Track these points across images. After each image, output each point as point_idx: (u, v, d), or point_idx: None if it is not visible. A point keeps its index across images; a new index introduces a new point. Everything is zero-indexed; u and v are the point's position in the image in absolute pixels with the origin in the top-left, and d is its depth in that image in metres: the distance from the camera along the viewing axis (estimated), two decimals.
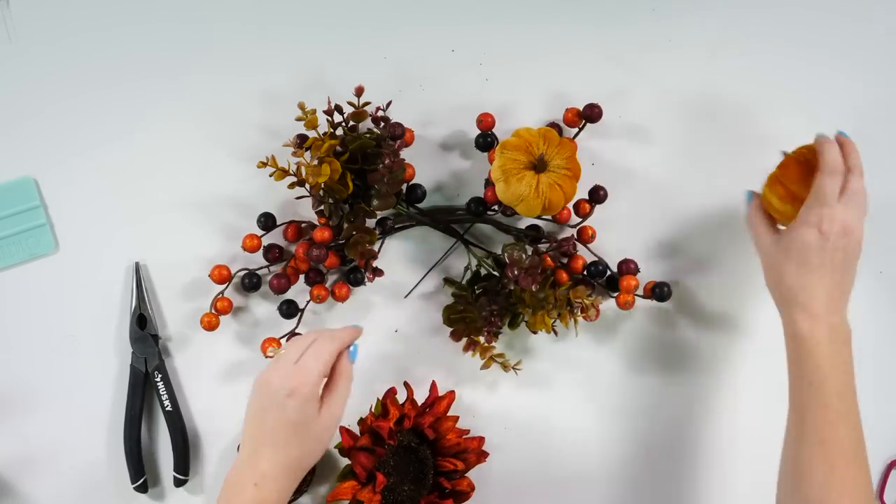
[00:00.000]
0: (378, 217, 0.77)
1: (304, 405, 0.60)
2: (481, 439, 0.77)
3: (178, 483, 0.78)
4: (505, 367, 0.77)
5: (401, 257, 0.80)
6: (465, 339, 0.76)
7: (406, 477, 0.75)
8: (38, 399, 0.78)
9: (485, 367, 0.76)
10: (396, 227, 0.78)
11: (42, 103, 0.78)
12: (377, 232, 0.75)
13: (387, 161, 0.70)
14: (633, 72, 0.81)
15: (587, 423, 0.81)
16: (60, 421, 0.78)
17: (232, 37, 0.80)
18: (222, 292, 0.77)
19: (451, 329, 0.77)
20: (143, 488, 0.77)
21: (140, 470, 0.77)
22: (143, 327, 0.78)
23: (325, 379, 0.63)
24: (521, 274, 0.71)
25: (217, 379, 0.79)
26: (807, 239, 0.64)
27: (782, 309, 0.66)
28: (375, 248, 0.76)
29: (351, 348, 0.65)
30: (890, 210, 0.84)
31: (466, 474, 0.76)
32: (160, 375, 0.78)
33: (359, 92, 0.71)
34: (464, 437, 0.76)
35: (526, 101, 0.81)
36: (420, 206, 0.79)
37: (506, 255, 0.73)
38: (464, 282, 0.78)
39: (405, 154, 0.76)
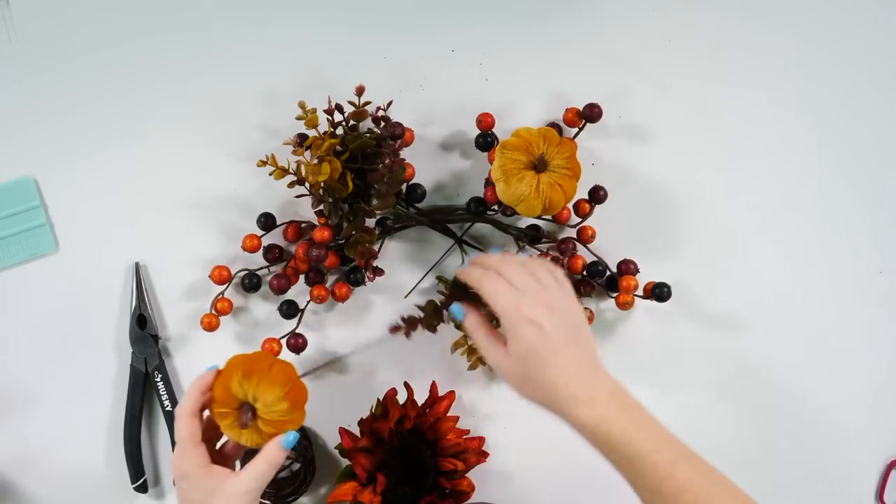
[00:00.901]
0: (378, 216, 0.77)
1: (193, 483, 0.60)
2: (481, 439, 0.77)
3: None
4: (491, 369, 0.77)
5: (401, 257, 0.80)
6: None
7: (406, 477, 0.75)
8: (38, 399, 0.78)
9: (472, 367, 0.76)
10: (396, 227, 0.78)
11: (42, 103, 0.78)
12: (377, 232, 0.75)
13: (387, 161, 0.70)
14: (633, 72, 0.81)
15: None
16: (60, 421, 0.78)
17: (232, 37, 0.80)
18: (222, 293, 0.77)
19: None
20: (143, 488, 0.77)
21: (140, 470, 0.77)
22: (143, 327, 0.78)
23: (201, 447, 0.61)
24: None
25: None
26: (527, 337, 0.58)
27: (556, 412, 0.60)
28: (375, 248, 0.76)
29: (286, 437, 0.61)
30: (890, 210, 0.84)
31: (466, 474, 0.76)
32: (160, 375, 0.78)
33: (360, 91, 0.71)
34: (464, 437, 0.76)
35: (525, 101, 0.81)
36: (420, 205, 0.79)
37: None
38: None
39: (405, 154, 0.76)
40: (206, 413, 0.63)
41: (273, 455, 0.61)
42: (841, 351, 0.83)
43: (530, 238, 0.79)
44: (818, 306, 0.83)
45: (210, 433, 0.63)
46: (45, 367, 0.78)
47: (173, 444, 0.77)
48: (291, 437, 0.61)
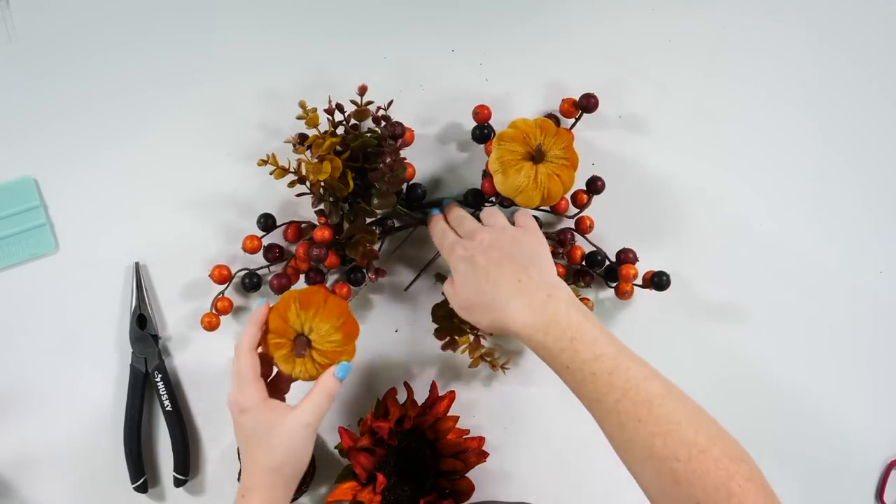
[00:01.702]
0: (378, 216, 0.77)
1: (256, 416, 0.62)
2: (481, 439, 0.77)
3: (178, 483, 0.78)
4: (493, 365, 0.77)
5: (401, 257, 0.80)
6: (447, 338, 0.76)
7: (406, 477, 0.75)
8: (38, 399, 0.78)
9: (473, 365, 0.76)
10: (397, 227, 0.78)
11: (42, 103, 0.78)
12: (378, 232, 0.75)
13: (388, 160, 0.70)
14: (632, 71, 0.81)
15: (588, 419, 0.81)
16: (60, 421, 0.78)
17: (232, 37, 0.80)
18: (223, 292, 0.77)
19: (436, 326, 0.76)
20: (143, 488, 0.77)
21: (140, 470, 0.77)
22: (143, 327, 0.78)
23: (260, 381, 0.64)
24: None
25: (217, 379, 0.79)
26: (461, 269, 0.65)
27: (502, 330, 0.62)
28: (376, 248, 0.76)
29: (338, 367, 0.64)
30: (890, 209, 0.84)
31: (466, 474, 0.76)
32: (160, 375, 0.78)
33: (362, 91, 0.71)
34: (464, 437, 0.76)
35: (522, 94, 0.80)
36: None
37: None
38: None
39: (405, 154, 0.76)
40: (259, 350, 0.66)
41: (328, 386, 0.63)
42: (840, 350, 0.83)
43: None
44: (817, 305, 0.83)
45: (263, 369, 0.65)
46: (46, 367, 0.78)
47: (173, 443, 0.77)
48: (345, 367, 0.64)
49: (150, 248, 0.79)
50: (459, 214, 0.71)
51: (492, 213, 0.69)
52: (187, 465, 0.78)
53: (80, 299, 0.78)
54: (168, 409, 0.77)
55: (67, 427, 0.78)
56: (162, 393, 0.77)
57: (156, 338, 0.78)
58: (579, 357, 0.58)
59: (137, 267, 0.78)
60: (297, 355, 0.64)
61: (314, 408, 0.63)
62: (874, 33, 0.84)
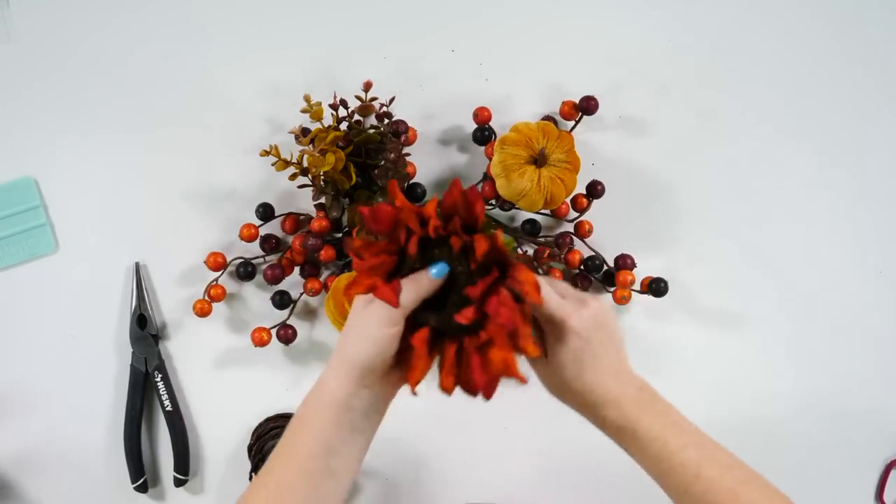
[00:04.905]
0: None
1: (356, 305, 0.56)
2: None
3: (178, 483, 0.78)
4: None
5: None
6: None
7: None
8: (38, 399, 0.78)
9: None
10: None
11: (42, 103, 0.78)
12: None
13: (391, 156, 0.70)
14: (632, 71, 0.81)
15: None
16: (60, 421, 0.78)
17: (232, 37, 0.80)
18: (216, 279, 0.77)
19: None
20: (143, 488, 0.77)
21: (140, 470, 0.77)
22: (143, 327, 0.78)
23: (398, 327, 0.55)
24: None
25: (217, 379, 0.79)
26: (573, 345, 0.57)
27: (585, 414, 0.59)
28: None
29: (437, 266, 0.54)
30: (890, 210, 0.84)
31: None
32: (160, 375, 0.77)
33: (367, 87, 0.71)
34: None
35: (522, 95, 0.80)
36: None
37: None
38: None
39: (406, 153, 0.76)
40: None
41: (422, 282, 0.54)
42: (840, 350, 0.83)
43: (528, 233, 0.79)
44: (817, 306, 0.83)
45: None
46: (45, 367, 0.78)
47: (173, 443, 0.77)
48: (442, 268, 0.54)
49: (150, 248, 0.79)
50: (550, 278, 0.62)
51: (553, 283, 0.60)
52: (187, 465, 0.78)
53: (80, 299, 0.78)
54: (168, 409, 0.77)
55: (67, 427, 0.78)
56: (162, 393, 0.77)
57: (156, 338, 0.78)
58: (668, 448, 0.57)
59: (137, 267, 0.78)
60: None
61: (400, 307, 0.53)
62: (874, 33, 0.84)
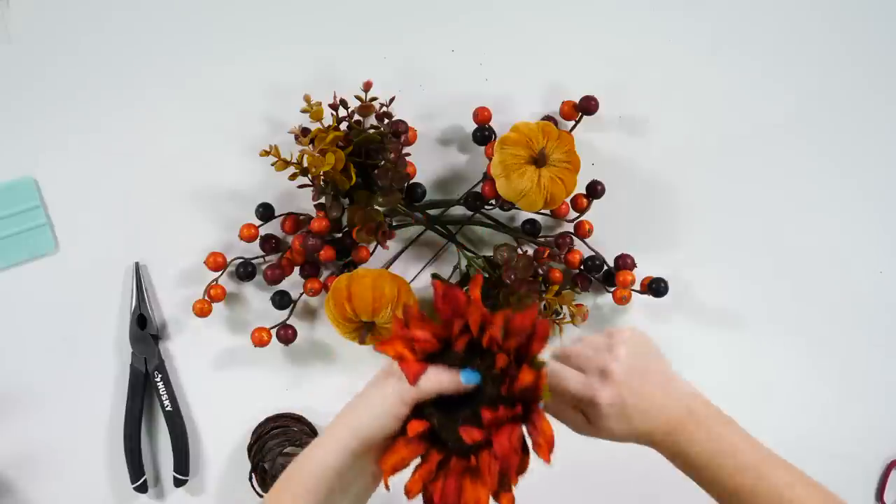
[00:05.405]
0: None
1: (374, 377, 0.57)
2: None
3: (178, 483, 0.78)
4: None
5: (400, 256, 0.80)
6: None
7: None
8: (38, 399, 0.78)
9: None
10: (395, 226, 0.78)
11: (42, 103, 0.78)
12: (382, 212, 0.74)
13: (392, 156, 0.70)
14: (632, 71, 0.81)
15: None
16: (60, 421, 0.78)
17: (232, 37, 0.79)
18: (216, 279, 0.77)
19: None
20: (143, 488, 0.77)
21: (140, 470, 0.77)
22: (143, 327, 0.78)
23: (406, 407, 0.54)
24: (516, 277, 0.71)
25: (217, 379, 0.79)
26: (609, 413, 0.57)
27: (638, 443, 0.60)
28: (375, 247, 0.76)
29: (466, 373, 0.53)
30: (890, 209, 0.84)
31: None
32: (160, 375, 0.78)
33: (367, 87, 0.71)
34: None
35: (522, 95, 0.80)
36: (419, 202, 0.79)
37: (497, 256, 0.72)
38: (452, 281, 0.77)
39: (406, 153, 0.76)
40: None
41: (444, 378, 0.53)
42: (840, 351, 0.83)
43: (527, 233, 0.79)
44: (817, 305, 0.83)
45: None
46: (45, 367, 0.78)
47: (173, 443, 0.77)
48: (472, 377, 0.53)
49: (150, 248, 0.79)
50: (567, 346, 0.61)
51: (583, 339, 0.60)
52: (187, 465, 0.78)
53: (80, 299, 0.78)
54: (168, 409, 0.77)
55: (67, 427, 0.78)
56: (162, 393, 0.77)
57: (156, 338, 0.78)
58: (724, 472, 0.58)
59: (137, 267, 0.78)
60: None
61: (415, 388, 0.53)
62: (874, 33, 0.84)
